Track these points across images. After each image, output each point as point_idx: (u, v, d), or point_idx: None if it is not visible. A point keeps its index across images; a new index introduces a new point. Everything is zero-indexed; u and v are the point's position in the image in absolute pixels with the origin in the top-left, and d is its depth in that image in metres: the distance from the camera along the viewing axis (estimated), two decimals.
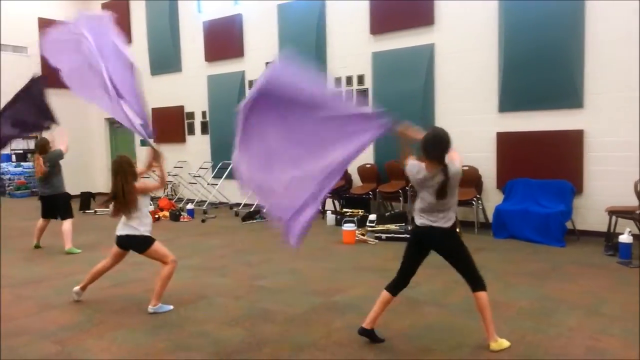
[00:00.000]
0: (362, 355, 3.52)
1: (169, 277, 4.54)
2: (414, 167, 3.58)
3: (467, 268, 3.56)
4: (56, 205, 7.10)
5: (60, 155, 7.04)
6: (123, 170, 4.50)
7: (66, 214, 7.11)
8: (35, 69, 13.06)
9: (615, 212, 6.54)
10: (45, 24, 13.27)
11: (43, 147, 7.08)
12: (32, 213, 6.98)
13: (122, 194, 4.43)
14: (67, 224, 7.04)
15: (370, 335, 3.68)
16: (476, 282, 3.52)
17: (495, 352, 3.48)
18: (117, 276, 5.69)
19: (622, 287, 4.90)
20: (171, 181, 12.10)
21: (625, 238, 5.88)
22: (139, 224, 4.53)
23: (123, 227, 4.57)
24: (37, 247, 7.21)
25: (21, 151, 16.37)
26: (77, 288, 4.85)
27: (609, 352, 3.48)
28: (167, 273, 4.53)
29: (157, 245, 4.59)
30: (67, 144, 7.20)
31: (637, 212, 6.32)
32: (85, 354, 3.68)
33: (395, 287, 3.69)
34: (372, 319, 3.69)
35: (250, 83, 10.96)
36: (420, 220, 3.59)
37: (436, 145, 3.44)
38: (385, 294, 3.70)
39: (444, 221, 3.51)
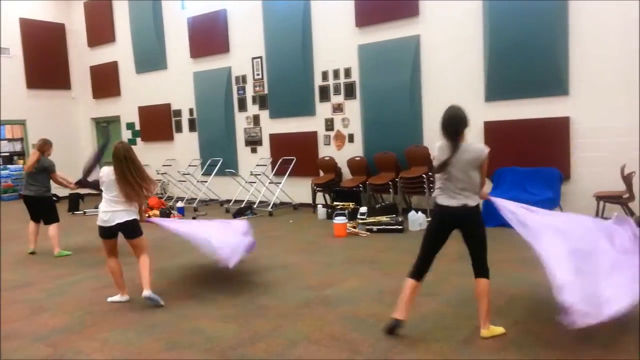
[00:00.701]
0: (356, 347, 3.54)
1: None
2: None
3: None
4: (40, 209, 6.99)
5: (51, 166, 6.93)
6: (131, 155, 4.63)
7: (51, 218, 7.01)
8: (18, 70, 12.96)
9: (603, 197, 6.61)
10: (26, 25, 13.14)
11: (41, 147, 6.98)
12: (21, 216, 6.92)
13: (134, 177, 4.56)
14: (52, 229, 6.94)
15: (398, 325, 3.64)
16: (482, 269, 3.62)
17: (486, 338, 3.51)
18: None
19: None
20: (160, 179, 12.03)
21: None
22: (135, 209, 4.72)
23: (128, 213, 4.65)
24: (32, 253, 7.03)
25: (7, 154, 16.18)
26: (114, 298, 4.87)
27: (600, 335, 3.52)
28: (149, 262, 4.75)
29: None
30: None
31: (624, 196, 6.39)
32: (78, 355, 3.66)
33: (420, 272, 3.71)
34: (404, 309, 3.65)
35: (237, 79, 10.91)
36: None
37: (451, 123, 3.57)
38: (410, 281, 3.68)
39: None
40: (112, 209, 4.62)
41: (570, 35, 7.11)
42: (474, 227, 3.65)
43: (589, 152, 7.11)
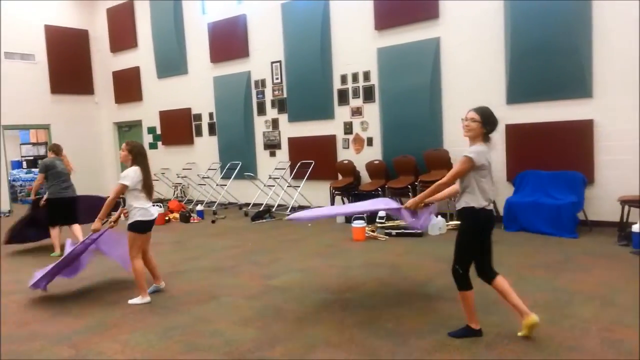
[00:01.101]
0: (375, 352, 3.51)
1: None
2: (483, 152, 3.56)
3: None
4: (72, 208, 7.22)
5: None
6: (145, 154, 4.96)
7: (76, 217, 7.24)
8: (43, 75, 13.24)
9: (628, 202, 6.47)
10: (51, 31, 13.42)
11: (59, 149, 7.32)
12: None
13: (149, 176, 4.88)
14: (79, 227, 7.26)
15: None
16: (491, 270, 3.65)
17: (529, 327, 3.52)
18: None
19: (636, 277, 4.84)
20: (180, 183, 12.15)
21: (638, 227, 5.81)
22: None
23: (154, 210, 4.93)
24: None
25: (32, 157, 16.53)
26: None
27: (625, 343, 3.44)
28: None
29: None
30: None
31: None
32: (100, 356, 3.70)
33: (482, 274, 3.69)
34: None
35: (256, 83, 10.97)
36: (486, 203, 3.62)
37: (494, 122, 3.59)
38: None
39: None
40: (150, 204, 4.87)
41: (594, 35, 6.97)
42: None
43: (613, 156, 6.97)
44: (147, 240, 5.00)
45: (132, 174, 4.77)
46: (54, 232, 7.19)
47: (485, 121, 3.56)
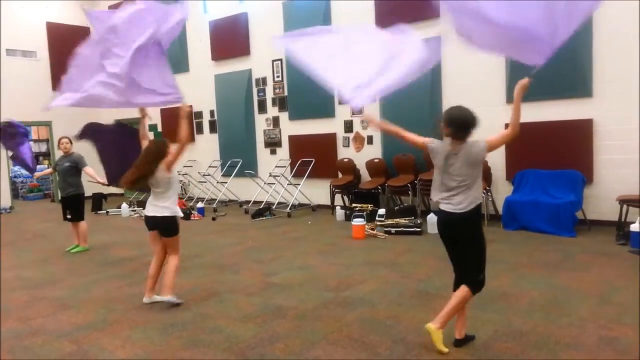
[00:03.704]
0: (374, 349, 3.54)
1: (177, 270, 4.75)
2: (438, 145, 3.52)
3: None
4: (71, 205, 7.17)
5: (81, 160, 7.15)
6: None
7: (80, 215, 7.21)
8: (45, 72, 13.26)
9: (626, 201, 6.50)
10: (53, 28, 13.44)
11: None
12: (46, 215, 7.06)
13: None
14: (84, 225, 7.21)
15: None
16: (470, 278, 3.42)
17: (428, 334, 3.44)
18: (132, 275, 5.77)
19: (634, 276, 4.87)
20: (181, 180, 12.17)
21: (636, 227, 5.84)
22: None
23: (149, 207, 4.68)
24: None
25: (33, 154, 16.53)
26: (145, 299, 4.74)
27: (622, 341, 3.47)
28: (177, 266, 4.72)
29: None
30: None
31: None
32: (101, 352, 3.74)
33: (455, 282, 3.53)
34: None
35: (257, 81, 10.99)
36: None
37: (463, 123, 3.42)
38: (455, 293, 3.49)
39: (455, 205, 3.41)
40: (157, 201, 4.69)
41: (594, 35, 6.99)
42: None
43: (612, 155, 6.99)
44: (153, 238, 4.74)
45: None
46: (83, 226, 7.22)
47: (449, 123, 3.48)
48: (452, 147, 3.46)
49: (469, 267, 3.41)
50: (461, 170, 3.39)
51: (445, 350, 3.39)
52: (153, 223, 4.64)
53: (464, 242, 3.41)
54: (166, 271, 4.66)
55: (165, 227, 4.60)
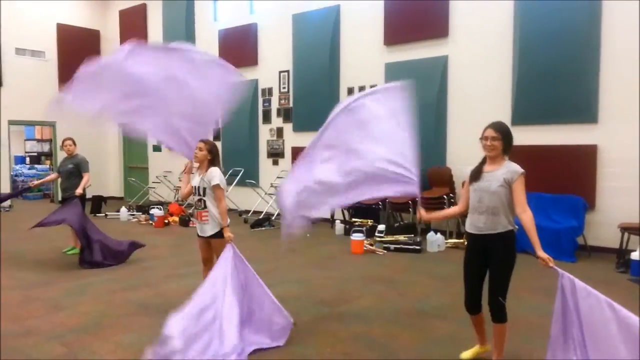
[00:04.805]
0: None
1: None
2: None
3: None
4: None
5: (84, 163, 7.12)
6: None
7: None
8: (52, 73, 13.33)
9: (628, 229, 6.46)
10: (63, 30, 13.54)
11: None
12: (44, 215, 7.03)
13: None
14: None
15: None
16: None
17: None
18: (126, 279, 5.73)
19: (633, 305, 4.79)
20: (180, 187, 12.13)
21: (637, 255, 5.80)
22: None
23: None
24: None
25: (35, 154, 16.59)
26: None
27: None
28: None
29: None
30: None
31: None
32: (92, 356, 3.69)
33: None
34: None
35: (263, 91, 11.03)
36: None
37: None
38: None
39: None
40: None
41: (601, 62, 7.01)
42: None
43: (615, 182, 6.96)
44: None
45: (221, 175, 4.36)
46: None
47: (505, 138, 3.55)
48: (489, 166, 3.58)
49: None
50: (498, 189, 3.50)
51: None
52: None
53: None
54: None
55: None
